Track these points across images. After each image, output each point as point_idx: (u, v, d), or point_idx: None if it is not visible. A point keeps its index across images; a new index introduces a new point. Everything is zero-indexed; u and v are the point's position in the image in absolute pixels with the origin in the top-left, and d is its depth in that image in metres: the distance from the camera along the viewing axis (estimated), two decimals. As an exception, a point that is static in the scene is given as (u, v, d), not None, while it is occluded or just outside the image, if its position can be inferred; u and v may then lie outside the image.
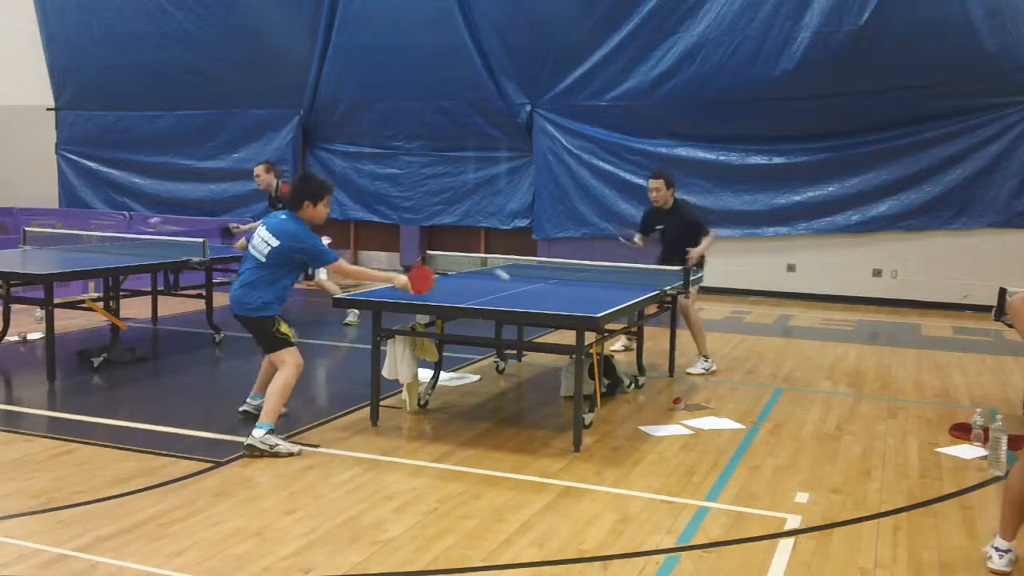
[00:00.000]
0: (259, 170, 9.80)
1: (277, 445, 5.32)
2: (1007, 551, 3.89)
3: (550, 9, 13.00)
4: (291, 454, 5.30)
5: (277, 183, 9.67)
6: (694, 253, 7.67)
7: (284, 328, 5.59)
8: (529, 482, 4.96)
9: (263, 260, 5.48)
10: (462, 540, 4.15)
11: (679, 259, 7.73)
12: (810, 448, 5.72)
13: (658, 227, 8.03)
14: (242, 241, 9.60)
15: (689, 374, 7.80)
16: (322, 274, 9.62)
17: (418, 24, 13.55)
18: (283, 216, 5.58)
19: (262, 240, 5.51)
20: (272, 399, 5.47)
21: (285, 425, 5.82)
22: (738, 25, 12.03)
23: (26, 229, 9.26)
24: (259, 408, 5.71)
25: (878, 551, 4.15)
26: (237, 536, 4.14)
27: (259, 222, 9.87)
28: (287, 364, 5.55)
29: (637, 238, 8.12)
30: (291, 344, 5.60)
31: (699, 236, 7.83)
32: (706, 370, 7.85)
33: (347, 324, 9.73)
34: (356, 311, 9.63)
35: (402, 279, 5.69)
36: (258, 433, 5.33)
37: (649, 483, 4.98)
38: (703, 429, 6.05)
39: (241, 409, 6.06)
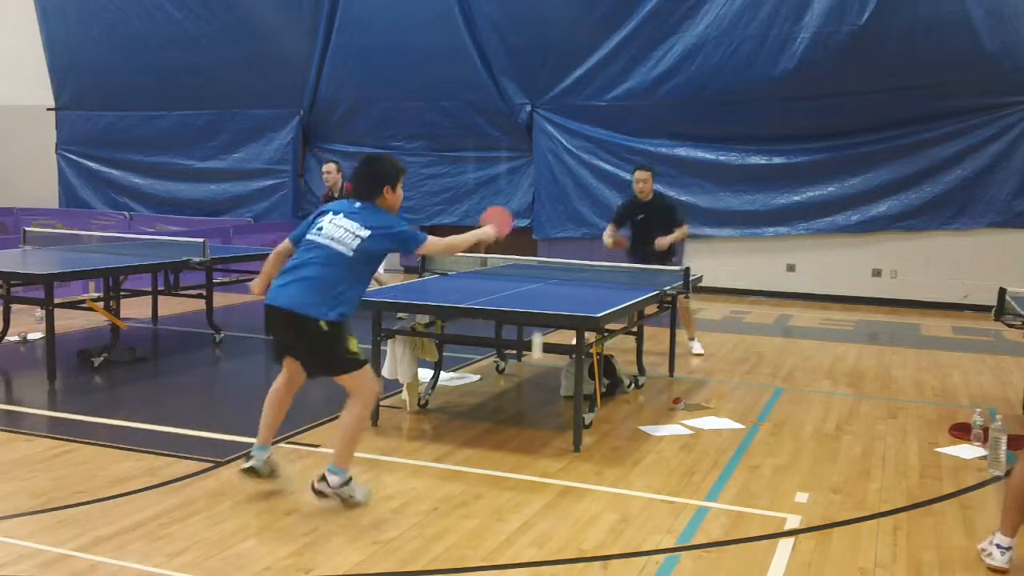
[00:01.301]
0: (331, 167, 10.05)
1: (353, 497, 4.43)
2: (1008, 548, 3.87)
3: (550, 9, 13.01)
4: (362, 504, 4.49)
5: (342, 183, 9.83)
6: (663, 241, 8.24)
7: (354, 344, 4.45)
8: (529, 482, 4.96)
9: (349, 255, 4.37)
10: (462, 540, 4.16)
11: (653, 247, 8.32)
12: (810, 448, 5.72)
13: (638, 216, 8.42)
14: None
15: (699, 354, 8.50)
16: (381, 267, 9.65)
17: (418, 24, 13.55)
18: (359, 205, 4.55)
19: (346, 231, 4.41)
20: (345, 437, 4.42)
21: (282, 426, 5.80)
22: (738, 25, 12.04)
23: (26, 229, 9.27)
24: (269, 467, 4.66)
25: (878, 551, 4.16)
26: (237, 536, 4.14)
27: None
28: (362, 390, 4.44)
29: (608, 236, 8.44)
30: (364, 362, 4.49)
31: (673, 226, 8.37)
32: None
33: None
34: None
35: (490, 231, 4.87)
36: (333, 480, 4.37)
37: (649, 483, 4.98)
38: (703, 429, 6.05)
39: (247, 466, 4.64)
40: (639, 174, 8.42)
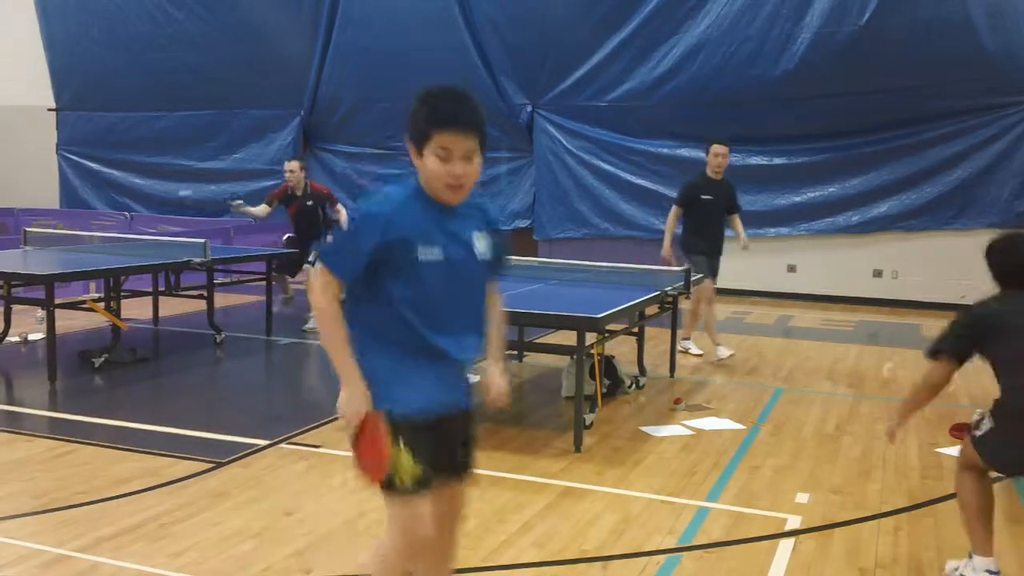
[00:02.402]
0: (295, 165, 9.60)
1: None
2: (997, 572, 3.67)
3: (550, 9, 13.01)
4: None
5: (307, 182, 9.66)
6: (747, 242, 8.23)
7: (406, 460, 2.63)
8: (530, 482, 4.96)
9: None
10: (462, 540, 4.15)
11: (719, 233, 8.10)
12: (810, 448, 5.72)
13: (705, 197, 7.99)
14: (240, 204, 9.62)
15: (698, 355, 8.42)
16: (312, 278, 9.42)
17: (418, 24, 13.56)
18: None
19: None
20: None
21: (283, 426, 5.81)
22: (739, 25, 12.04)
23: (27, 230, 9.27)
24: None
25: (878, 551, 4.16)
26: (238, 536, 4.14)
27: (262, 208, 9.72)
28: (391, 530, 2.73)
29: (669, 239, 8.16)
30: (404, 491, 2.65)
31: (733, 210, 8.26)
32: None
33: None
34: None
35: (351, 414, 2.71)
36: None
37: (650, 483, 4.98)
38: (703, 429, 6.05)
39: None
40: (718, 148, 7.88)
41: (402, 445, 2.64)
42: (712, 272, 8.09)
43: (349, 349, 2.71)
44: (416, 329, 2.65)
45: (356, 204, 2.73)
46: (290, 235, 9.90)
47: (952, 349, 3.60)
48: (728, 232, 8.33)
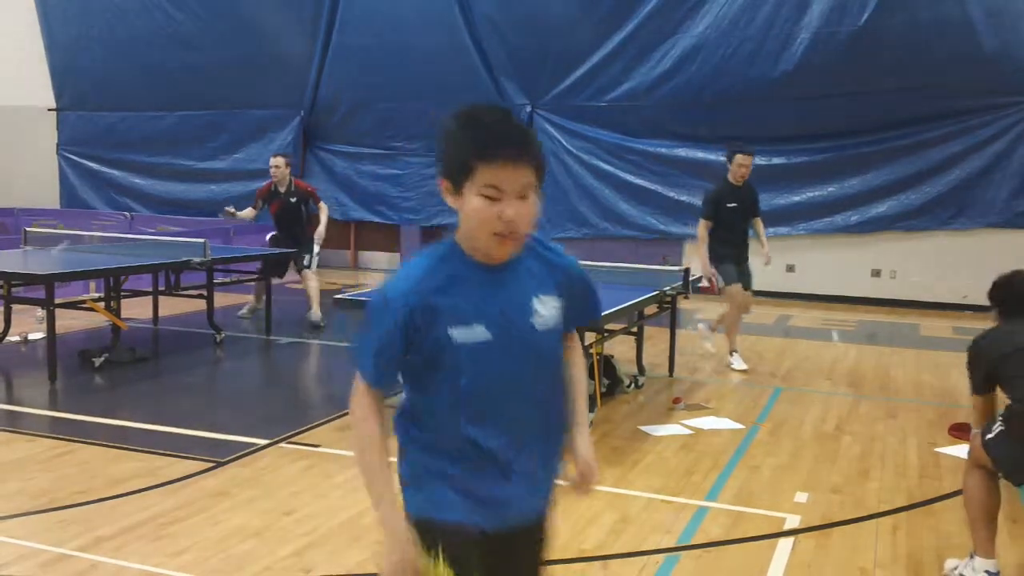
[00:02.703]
0: (280, 161, 9.38)
1: None
2: (996, 574, 3.70)
3: (550, 9, 13.02)
4: None
5: (291, 179, 9.54)
6: (769, 256, 8.04)
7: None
8: (529, 482, 4.96)
9: None
10: (462, 540, 4.15)
11: (745, 239, 7.94)
12: (809, 448, 5.72)
13: (730, 205, 7.83)
14: (232, 209, 9.58)
15: (743, 371, 7.97)
16: (312, 281, 9.48)
17: (418, 24, 13.57)
18: None
19: None
20: None
21: (282, 426, 5.82)
22: (738, 26, 12.05)
23: (27, 229, 9.27)
24: None
25: (878, 551, 4.16)
26: (237, 536, 4.14)
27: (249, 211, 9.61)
28: None
29: (706, 270, 7.86)
30: None
31: (757, 214, 8.07)
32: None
33: (242, 316, 9.64)
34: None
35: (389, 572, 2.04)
36: None
37: (649, 483, 4.98)
38: (703, 429, 6.05)
39: None
40: (742, 159, 7.70)
41: (441, 557, 2.03)
42: (742, 278, 7.87)
43: (385, 480, 2.06)
44: (461, 427, 2.05)
45: (374, 289, 2.12)
46: (273, 234, 9.86)
47: (975, 387, 3.93)
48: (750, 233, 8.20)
